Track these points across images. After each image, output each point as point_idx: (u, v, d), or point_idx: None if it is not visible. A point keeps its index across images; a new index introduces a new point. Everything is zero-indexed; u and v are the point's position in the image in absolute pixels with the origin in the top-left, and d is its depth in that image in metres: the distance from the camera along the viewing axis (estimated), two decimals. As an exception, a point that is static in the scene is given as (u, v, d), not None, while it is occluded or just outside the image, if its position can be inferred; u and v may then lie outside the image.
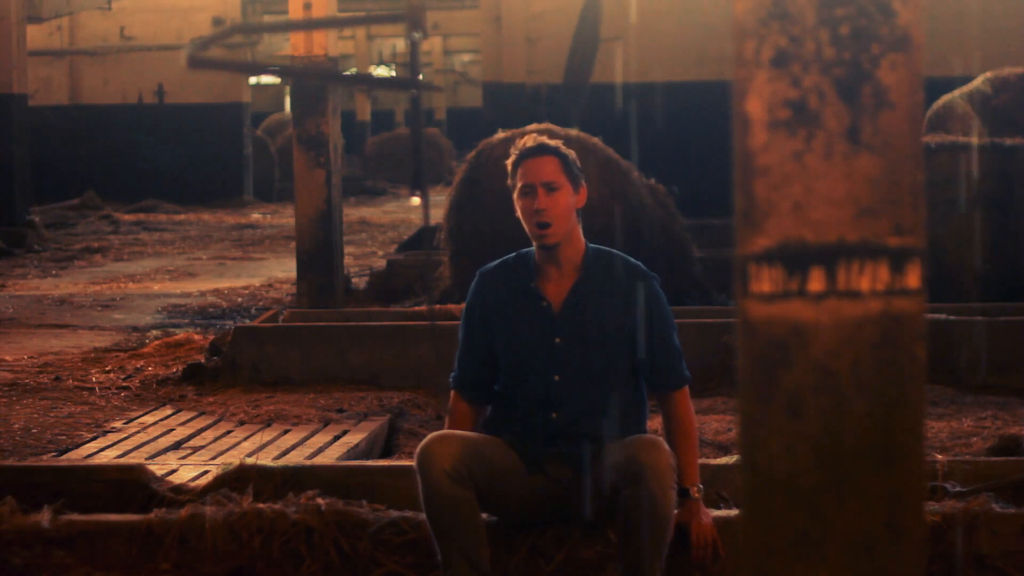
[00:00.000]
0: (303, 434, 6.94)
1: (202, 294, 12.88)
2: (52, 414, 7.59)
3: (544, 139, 4.63)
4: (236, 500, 5.04)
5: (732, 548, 4.76)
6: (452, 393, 4.80)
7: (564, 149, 4.63)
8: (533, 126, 9.98)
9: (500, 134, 10.10)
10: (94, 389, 8.26)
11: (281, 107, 38.14)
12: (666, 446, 4.47)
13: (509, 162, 4.64)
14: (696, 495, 4.61)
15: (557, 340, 4.58)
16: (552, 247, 4.57)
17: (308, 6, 10.92)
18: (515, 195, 4.61)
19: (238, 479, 5.31)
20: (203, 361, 8.45)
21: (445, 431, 4.63)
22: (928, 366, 2.03)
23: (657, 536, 4.37)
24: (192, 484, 5.53)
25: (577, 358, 4.57)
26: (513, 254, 4.73)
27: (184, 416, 7.43)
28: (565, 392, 4.58)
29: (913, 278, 1.98)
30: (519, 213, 4.60)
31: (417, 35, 3.74)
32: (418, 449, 4.51)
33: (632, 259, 4.68)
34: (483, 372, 4.71)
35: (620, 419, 4.58)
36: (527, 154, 4.59)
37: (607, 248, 4.69)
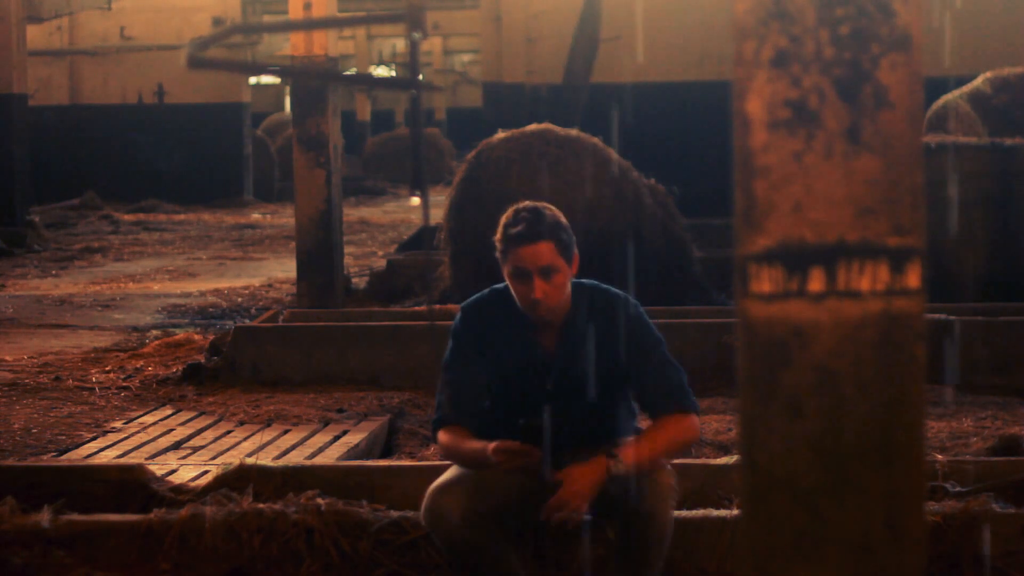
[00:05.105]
0: (303, 434, 6.94)
1: (202, 294, 12.88)
2: (52, 414, 7.60)
3: (534, 218, 4.36)
4: (236, 500, 5.04)
5: (732, 548, 4.76)
6: (441, 431, 4.52)
7: (555, 223, 4.38)
8: (533, 126, 9.98)
9: (500, 134, 10.09)
10: (94, 389, 8.26)
11: (281, 107, 38.13)
12: (667, 462, 4.42)
13: (498, 239, 4.42)
14: (608, 461, 4.27)
15: (549, 385, 4.50)
16: (549, 321, 4.46)
17: (308, 6, 10.92)
18: (506, 272, 4.42)
19: (238, 479, 5.31)
20: (203, 361, 8.45)
21: (443, 482, 4.43)
22: (928, 366, 2.03)
23: (655, 552, 4.34)
24: (192, 484, 5.53)
25: (569, 397, 4.49)
26: (495, 294, 4.54)
27: (184, 416, 7.44)
28: (558, 429, 4.50)
29: (913, 278, 1.98)
30: (512, 289, 4.43)
31: (417, 35, 3.74)
32: (424, 509, 4.37)
33: (607, 289, 4.54)
34: (481, 403, 4.54)
35: (612, 435, 4.50)
36: (520, 240, 4.34)
37: (583, 283, 4.53)
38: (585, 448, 4.46)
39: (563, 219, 4.45)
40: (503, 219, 4.47)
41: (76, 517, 5.05)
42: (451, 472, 4.52)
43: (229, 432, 7.02)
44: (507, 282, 4.46)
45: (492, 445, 4.31)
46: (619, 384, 4.52)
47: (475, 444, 4.40)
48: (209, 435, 6.96)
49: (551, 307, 4.40)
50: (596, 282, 4.57)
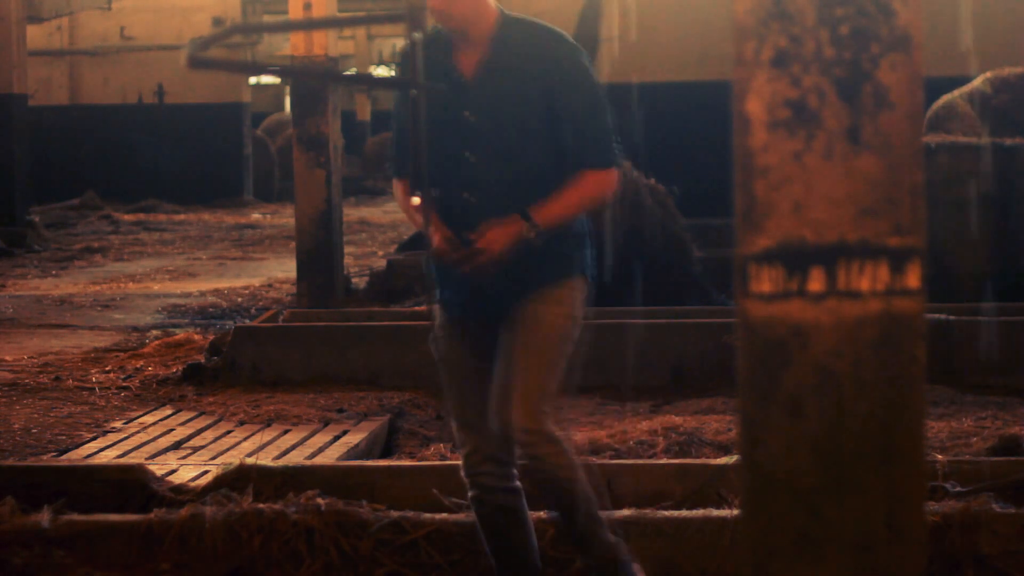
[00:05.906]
0: (303, 434, 6.94)
1: (202, 294, 12.88)
2: (52, 414, 7.60)
3: None
4: (236, 500, 5.04)
5: (732, 548, 4.77)
6: (395, 182, 4.43)
7: None
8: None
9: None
10: (94, 389, 8.26)
11: (281, 107, 38.13)
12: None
13: None
14: (523, 223, 4.18)
15: (467, 114, 4.26)
16: (456, 30, 4.21)
17: (308, 6, 10.92)
18: None
19: (238, 479, 5.31)
20: (203, 361, 8.45)
21: (469, 443, 4.34)
22: (928, 366, 2.03)
23: (585, 510, 4.29)
24: (192, 484, 5.53)
25: (490, 133, 4.26)
26: (437, 28, 4.33)
27: (184, 416, 7.44)
28: (479, 171, 4.27)
29: (913, 278, 1.98)
30: None
31: (417, 35, 3.74)
32: (464, 472, 4.32)
33: (557, 31, 4.31)
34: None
35: (539, 199, 4.25)
36: None
37: (530, 19, 4.32)
38: (509, 203, 4.25)
39: None
40: None
41: (76, 517, 5.05)
42: (470, 414, 4.34)
43: (229, 432, 7.02)
44: None
45: (434, 245, 4.26)
46: (542, 131, 4.26)
47: (420, 219, 4.23)
48: (209, 435, 6.96)
49: (452, 13, 4.16)
50: (536, 20, 4.33)
